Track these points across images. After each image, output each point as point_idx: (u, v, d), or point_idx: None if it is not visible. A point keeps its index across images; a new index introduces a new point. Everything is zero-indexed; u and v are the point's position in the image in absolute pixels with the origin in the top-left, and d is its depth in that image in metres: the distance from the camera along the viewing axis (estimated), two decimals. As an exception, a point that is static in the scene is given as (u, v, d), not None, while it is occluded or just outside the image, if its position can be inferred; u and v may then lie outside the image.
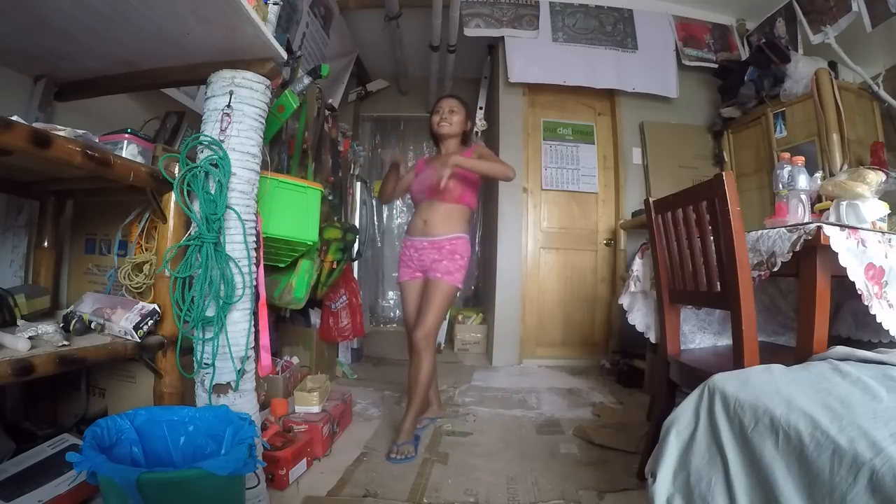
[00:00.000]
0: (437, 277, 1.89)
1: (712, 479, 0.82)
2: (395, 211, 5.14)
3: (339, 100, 3.72)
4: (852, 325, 1.58)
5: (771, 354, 1.19)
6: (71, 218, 1.56)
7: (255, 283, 1.24)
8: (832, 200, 1.44)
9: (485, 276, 4.07)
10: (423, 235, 1.95)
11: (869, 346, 1.41)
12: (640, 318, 1.88)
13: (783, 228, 1.19)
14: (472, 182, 1.97)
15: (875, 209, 1.34)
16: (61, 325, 1.15)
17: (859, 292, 1.10)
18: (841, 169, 2.33)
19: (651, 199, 1.52)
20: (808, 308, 1.12)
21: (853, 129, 2.54)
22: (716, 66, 3.38)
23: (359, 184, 3.69)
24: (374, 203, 4.57)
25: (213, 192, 1.16)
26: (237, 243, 1.20)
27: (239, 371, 1.19)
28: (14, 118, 0.88)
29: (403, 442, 1.72)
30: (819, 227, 1.09)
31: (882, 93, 2.53)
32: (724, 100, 3.22)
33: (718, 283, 1.23)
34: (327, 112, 2.77)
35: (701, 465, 0.85)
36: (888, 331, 1.12)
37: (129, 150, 1.25)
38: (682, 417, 0.93)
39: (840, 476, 0.63)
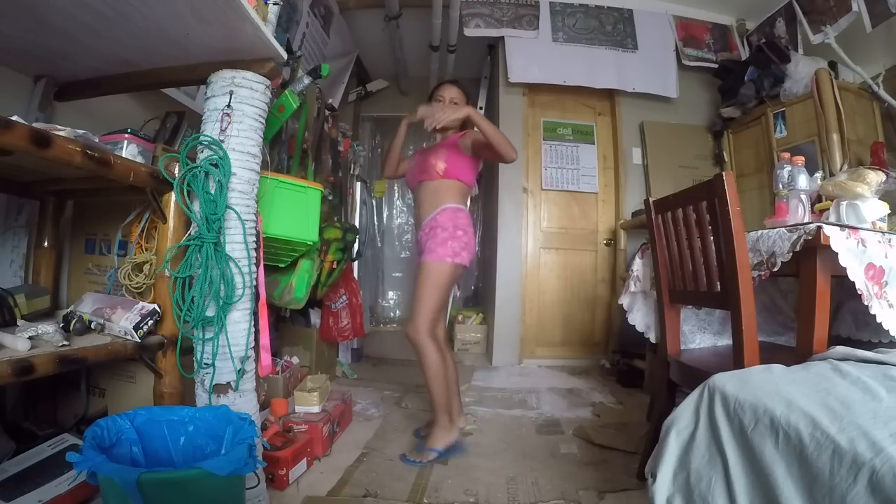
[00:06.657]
0: (419, 260, 1.79)
1: (712, 479, 0.82)
2: (395, 211, 5.14)
3: (339, 100, 3.71)
4: (852, 325, 1.58)
5: (771, 354, 1.19)
6: (71, 218, 1.56)
7: (255, 283, 1.24)
8: (832, 200, 1.44)
9: (485, 276, 4.07)
10: (419, 224, 1.86)
11: (869, 346, 1.41)
12: (640, 318, 1.88)
13: (783, 228, 1.19)
14: (466, 160, 1.85)
15: (875, 209, 1.34)
16: (61, 325, 1.15)
17: (859, 292, 1.10)
18: (841, 169, 2.33)
19: (651, 199, 1.52)
20: (808, 308, 1.12)
21: (853, 129, 2.53)
22: (716, 66, 3.38)
23: (359, 184, 3.69)
24: (374, 203, 4.56)
25: (213, 192, 1.16)
26: (237, 243, 1.20)
27: (239, 371, 1.19)
28: (14, 118, 0.88)
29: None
30: (819, 227, 1.09)
31: (882, 93, 2.53)
32: (724, 100, 3.22)
33: (718, 283, 1.23)
34: (327, 112, 2.76)
35: (701, 465, 0.85)
36: (888, 331, 1.12)
37: (129, 150, 1.25)
38: (682, 417, 0.93)
39: (840, 476, 0.63)
